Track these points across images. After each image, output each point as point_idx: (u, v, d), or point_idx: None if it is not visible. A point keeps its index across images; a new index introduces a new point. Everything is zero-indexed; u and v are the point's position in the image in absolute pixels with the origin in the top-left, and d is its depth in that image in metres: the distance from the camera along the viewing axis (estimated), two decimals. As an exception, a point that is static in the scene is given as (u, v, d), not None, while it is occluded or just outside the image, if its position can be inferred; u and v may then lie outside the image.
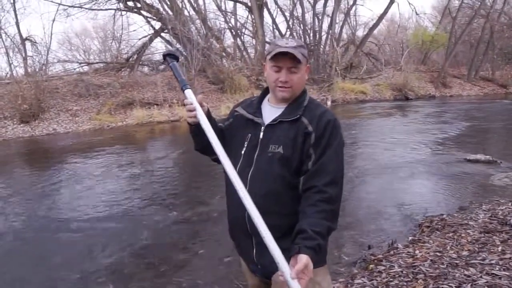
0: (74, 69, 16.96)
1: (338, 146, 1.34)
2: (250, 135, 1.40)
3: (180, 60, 1.60)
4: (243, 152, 1.40)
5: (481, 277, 2.53)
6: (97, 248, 3.66)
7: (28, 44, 14.62)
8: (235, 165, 1.39)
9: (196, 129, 1.42)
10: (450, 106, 15.79)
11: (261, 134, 1.38)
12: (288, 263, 1.13)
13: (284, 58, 1.33)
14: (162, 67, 17.14)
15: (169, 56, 1.57)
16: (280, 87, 1.37)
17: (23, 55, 14.18)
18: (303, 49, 1.37)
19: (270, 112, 1.42)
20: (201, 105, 1.41)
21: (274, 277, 1.35)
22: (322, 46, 20.25)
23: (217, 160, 1.49)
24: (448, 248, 3.11)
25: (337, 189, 1.29)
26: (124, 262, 3.36)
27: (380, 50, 25.01)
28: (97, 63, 18.48)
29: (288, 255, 1.16)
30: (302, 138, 1.32)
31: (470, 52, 24.21)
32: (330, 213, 1.25)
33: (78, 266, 3.32)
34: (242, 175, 1.36)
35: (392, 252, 3.19)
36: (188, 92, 1.42)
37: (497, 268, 2.65)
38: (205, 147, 1.44)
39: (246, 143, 1.40)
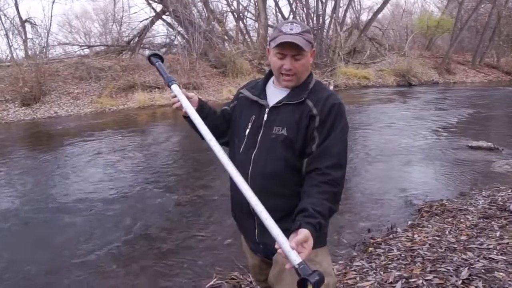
0: (75, 52, 16.80)
1: (342, 129, 1.33)
2: (254, 116, 1.41)
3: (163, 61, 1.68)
4: (247, 133, 1.41)
5: (478, 261, 2.56)
6: (98, 229, 3.71)
7: (28, 26, 14.46)
8: (239, 146, 1.41)
9: (191, 120, 1.43)
10: (453, 92, 15.68)
11: (265, 116, 1.38)
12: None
13: (288, 46, 1.31)
14: (163, 50, 16.97)
15: (153, 56, 1.67)
16: (284, 74, 1.36)
17: (23, 37, 14.04)
18: (308, 34, 1.34)
19: (275, 94, 1.42)
20: (188, 97, 1.44)
21: (275, 257, 1.37)
22: (325, 30, 19.97)
23: (225, 144, 1.50)
24: (447, 232, 3.15)
25: (340, 172, 1.30)
26: (125, 243, 3.41)
27: (384, 35, 24.67)
28: (98, 46, 18.29)
29: (289, 234, 1.17)
30: (306, 121, 1.32)
31: (475, 38, 23.88)
32: (332, 195, 1.26)
33: (79, 246, 3.36)
34: (246, 156, 1.38)
35: (391, 236, 3.22)
36: (174, 87, 1.47)
37: (494, 253, 2.68)
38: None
39: (250, 124, 1.41)
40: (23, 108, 11.58)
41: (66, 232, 3.73)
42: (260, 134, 1.37)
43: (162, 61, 1.65)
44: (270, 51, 1.39)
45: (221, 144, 1.47)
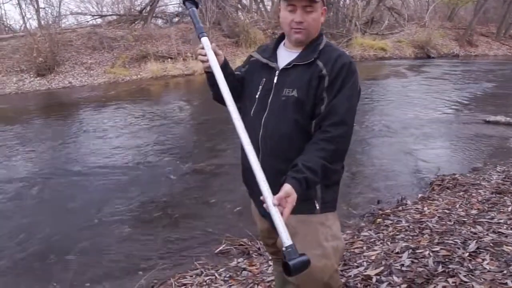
0: (87, 21, 16.71)
1: (350, 89, 1.30)
2: (264, 79, 1.40)
3: (199, 6, 1.58)
4: (257, 96, 1.40)
5: (487, 234, 2.55)
6: (112, 195, 3.82)
7: (40, -6, 14.34)
8: (250, 109, 1.41)
9: (211, 78, 1.41)
10: (473, 65, 15.11)
11: (276, 78, 1.37)
12: None
13: None
14: (176, 19, 16.71)
15: (188, 1, 1.54)
16: (295, 28, 1.33)
17: (35, 6, 13.98)
18: None
19: (285, 56, 1.40)
20: (217, 54, 1.40)
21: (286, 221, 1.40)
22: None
23: (238, 109, 1.49)
24: (457, 206, 3.13)
25: (342, 130, 1.27)
26: (138, 209, 3.52)
27: (403, 5, 23.61)
28: (110, 15, 18.08)
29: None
30: (316, 81, 1.30)
31: (502, 7, 22.64)
32: (329, 152, 1.24)
33: (94, 211, 3.49)
34: (256, 119, 1.37)
35: (400, 208, 3.23)
36: (204, 40, 1.41)
37: (504, 227, 2.66)
38: (222, 97, 1.44)
39: (260, 87, 1.40)
40: (38, 78, 11.71)
41: (80, 197, 3.86)
42: (271, 97, 1.36)
43: (197, 7, 1.56)
44: (281, 9, 1.36)
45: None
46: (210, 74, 1.41)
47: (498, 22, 22.29)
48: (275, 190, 1.16)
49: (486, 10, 22.48)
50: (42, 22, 13.70)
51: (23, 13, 13.59)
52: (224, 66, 1.42)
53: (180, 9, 17.32)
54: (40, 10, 14.07)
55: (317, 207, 1.35)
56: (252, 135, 1.30)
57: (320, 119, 1.29)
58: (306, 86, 1.30)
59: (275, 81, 1.37)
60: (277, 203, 1.12)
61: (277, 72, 1.37)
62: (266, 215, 1.53)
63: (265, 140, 1.35)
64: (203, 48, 1.40)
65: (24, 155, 5.25)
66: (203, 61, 1.40)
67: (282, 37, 1.48)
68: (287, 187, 1.15)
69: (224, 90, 1.33)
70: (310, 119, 1.32)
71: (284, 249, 1.07)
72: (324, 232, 1.36)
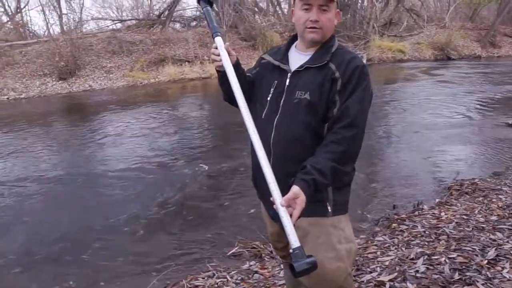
0: (107, 26, 17.13)
1: (363, 92, 1.29)
2: (276, 82, 1.39)
3: (213, 6, 1.60)
4: (269, 98, 1.39)
5: (507, 242, 2.47)
6: (129, 197, 3.89)
7: (63, 1, 14.83)
8: (261, 112, 1.40)
9: (223, 77, 1.42)
10: (496, 67, 14.66)
11: (287, 80, 1.36)
12: None
13: None
14: (193, 23, 16.92)
15: (203, 0, 1.55)
16: (310, 28, 1.32)
17: (59, 13, 14.45)
18: None
19: (297, 58, 1.39)
20: (230, 53, 1.41)
21: (297, 223, 1.39)
22: (359, 1, 19.06)
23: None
24: (476, 212, 3.04)
25: (352, 132, 1.26)
26: (153, 211, 3.57)
27: (423, 6, 23.18)
28: (129, 20, 18.49)
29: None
30: (329, 84, 1.29)
31: (526, 7, 21.93)
32: (339, 154, 1.23)
33: (110, 212, 3.56)
34: (268, 121, 1.37)
35: (416, 213, 3.16)
36: (218, 40, 1.43)
37: (526, 234, 2.57)
38: (233, 97, 1.44)
39: (272, 89, 1.39)
40: (60, 82, 12.07)
41: (97, 197, 3.96)
42: (283, 99, 1.36)
43: (211, 6, 1.57)
44: (295, 9, 1.36)
45: None
46: (221, 73, 1.42)
47: (523, 22, 21.58)
48: (285, 192, 1.16)
49: (510, 9, 21.79)
50: (65, 27, 14.15)
51: (47, 19, 14.11)
52: (236, 66, 1.42)
53: (198, 13, 17.54)
54: (63, 16, 14.54)
55: (329, 210, 1.34)
56: (264, 137, 1.30)
57: (332, 122, 1.28)
58: (319, 89, 1.30)
59: (287, 83, 1.36)
60: (286, 204, 1.12)
61: (289, 74, 1.37)
62: (276, 218, 1.53)
63: (277, 143, 1.35)
64: (216, 47, 1.41)
65: (43, 156, 5.41)
66: (215, 60, 1.41)
67: (293, 39, 1.47)
68: (295, 189, 1.15)
69: (236, 88, 1.33)
70: (323, 122, 1.31)
71: (291, 251, 1.08)
72: (337, 234, 1.35)
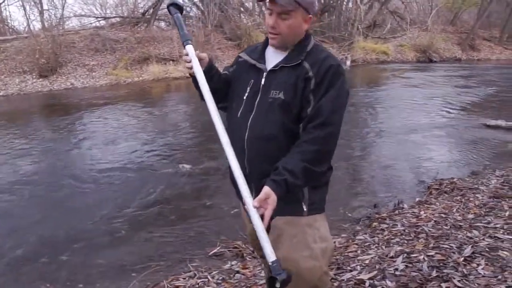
0: (91, 23, 16.78)
1: (337, 91, 1.28)
2: (252, 80, 1.39)
3: (184, 12, 1.60)
4: (245, 97, 1.40)
5: (483, 239, 2.53)
6: (110, 198, 3.83)
7: (44, -3, 14.44)
8: (237, 110, 1.41)
9: (196, 81, 1.43)
10: (475, 70, 15.06)
11: (263, 80, 1.37)
12: None
13: (274, 3, 1.26)
14: (178, 22, 16.73)
15: (172, 6, 1.53)
16: (269, 33, 1.34)
17: (39, 8, 14.07)
18: None
19: (273, 57, 1.40)
20: (201, 58, 1.43)
21: (272, 223, 1.39)
22: (344, 3, 19.26)
23: (223, 108, 1.50)
24: (454, 210, 3.11)
25: (326, 131, 1.26)
26: (134, 211, 3.52)
27: (406, 9, 23.60)
28: (113, 17, 18.15)
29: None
30: (302, 84, 1.29)
31: (505, 12, 22.58)
32: (311, 153, 1.24)
33: (92, 213, 3.49)
34: (243, 120, 1.37)
35: (397, 212, 3.22)
36: (189, 48, 1.45)
37: (501, 232, 2.64)
38: None
39: (248, 88, 1.39)
40: (40, 79, 11.76)
41: (76, 198, 3.88)
42: (258, 98, 1.36)
43: (181, 13, 1.56)
44: None
45: (221, 108, 1.50)
46: (195, 78, 1.43)
47: (501, 26, 22.23)
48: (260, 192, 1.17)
49: (489, 14, 22.42)
50: (46, 24, 13.78)
51: (27, 15, 13.70)
52: (209, 68, 1.44)
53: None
54: (44, 12, 14.16)
55: (305, 209, 1.35)
56: (238, 136, 1.31)
57: (306, 121, 1.28)
58: (293, 88, 1.30)
59: (262, 82, 1.36)
60: (258, 205, 1.13)
61: (264, 73, 1.37)
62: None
63: (251, 141, 1.35)
64: (187, 55, 1.43)
65: (23, 156, 5.26)
66: (188, 67, 1.44)
67: None
68: (266, 190, 1.17)
69: (207, 96, 1.37)
70: (298, 121, 1.31)
71: (270, 263, 1.10)
72: (312, 234, 1.35)
